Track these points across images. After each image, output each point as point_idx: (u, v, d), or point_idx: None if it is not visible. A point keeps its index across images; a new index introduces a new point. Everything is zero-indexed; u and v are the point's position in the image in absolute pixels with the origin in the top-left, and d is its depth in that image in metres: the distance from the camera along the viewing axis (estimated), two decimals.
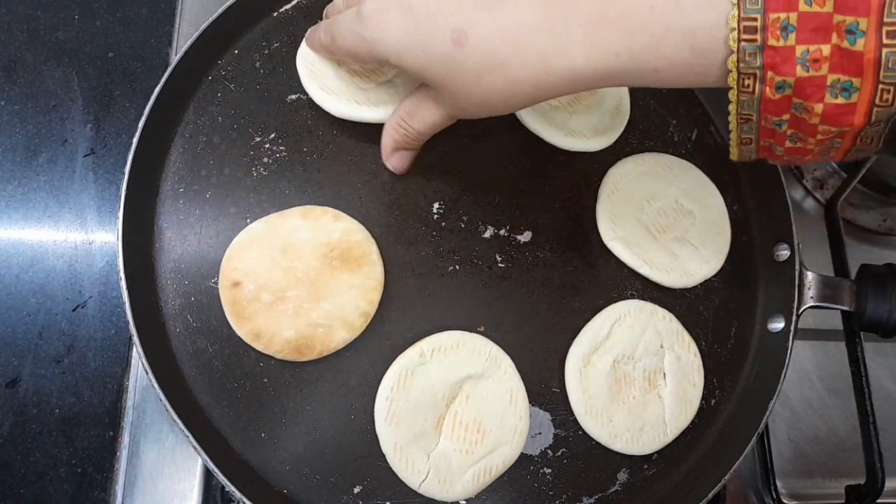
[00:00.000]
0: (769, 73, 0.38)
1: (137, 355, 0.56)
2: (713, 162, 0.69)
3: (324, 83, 0.59)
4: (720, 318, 0.65)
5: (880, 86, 0.37)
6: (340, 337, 0.55)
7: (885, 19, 0.35)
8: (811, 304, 0.63)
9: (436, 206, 0.61)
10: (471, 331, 0.58)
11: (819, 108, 0.38)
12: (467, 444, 0.54)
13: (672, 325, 0.62)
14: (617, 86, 0.46)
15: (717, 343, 0.64)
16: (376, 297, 0.56)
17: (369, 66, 0.59)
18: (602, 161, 0.65)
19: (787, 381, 0.60)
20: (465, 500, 0.55)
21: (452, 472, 0.54)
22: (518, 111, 0.64)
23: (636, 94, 0.69)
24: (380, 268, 0.57)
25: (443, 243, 0.60)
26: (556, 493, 0.56)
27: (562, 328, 0.60)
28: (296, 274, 0.55)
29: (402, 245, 0.59)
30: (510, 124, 0.64)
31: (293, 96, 0.61)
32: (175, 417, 0.49)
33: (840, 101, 0.38)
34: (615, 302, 0.61)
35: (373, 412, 0.54)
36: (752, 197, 0.69)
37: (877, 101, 0.37)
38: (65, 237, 0.66)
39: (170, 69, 0.56)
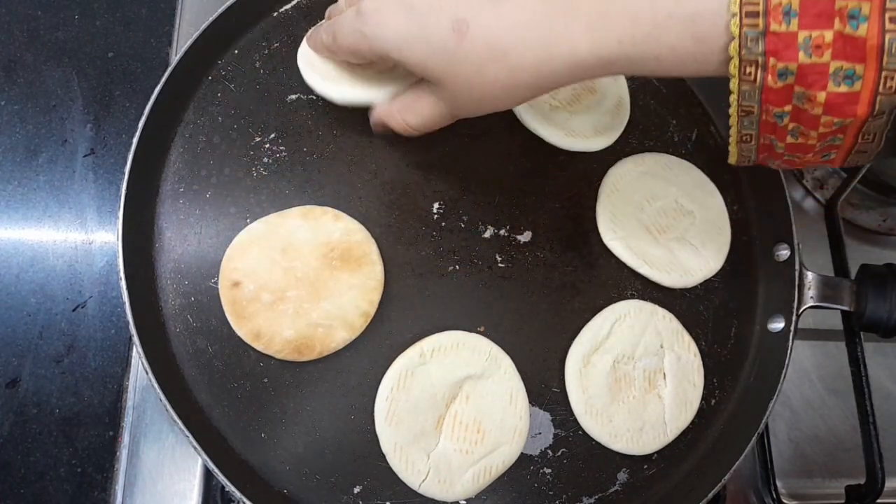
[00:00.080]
0: (771, 60, 0.38)
1: (137, 355, 0.56)
2: (713, 162, 0.69)
3: (326, 74, 0.58)
4: (720, 318, 0.65)
5: (883, 73, 0.36)
6: (340, 337, 0.55)
7: (888, 4, 0.35)
8: (811, 304, 0.63)
9: (436, 206, 0.61)
10: (471, 331, 0.58)
11: (822, 96, 0.38)
12: (467, 444, 0.54)
13: (672, 325, 0.62)
14: (618, 74, 0.46)
15: (717, 343, 0.64)
16: (376, 297, 0.56)
17: (371, 65, 0.59)
18: (602, 161, 0.65)
19: (787, 381, 0.60)
20: (465, 500, 0.55)
21: (452, 472, 0.54)
22: (518, 110, 0.64)
23: (636, 94, 0.69)
24: (380, 268, 0.57)
25: (443, 243, 0.60)
26: (556, 493, 0.56)
27: (562, 328, 0.60)
28: (296, 274, 0.55)
29: (402, 245, 0.59)
30: (510, 124, 0.64)
31: (293, 96, 0.61)
32: (175, 417, 0.49)
33: (843, 89, 0.37)
34: (615, 302, 0.61)
35: (373, 412, 0.54)
36: (752, 197, 0.69)
37: (880, 88, 0.37)
38: (65, 237, 0.66)
39: (170, 69, 0.56)
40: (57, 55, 0.72)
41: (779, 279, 0.65)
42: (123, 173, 0.53)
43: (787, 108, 0.40)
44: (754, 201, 0.69)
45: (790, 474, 0.72)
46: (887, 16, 0.35)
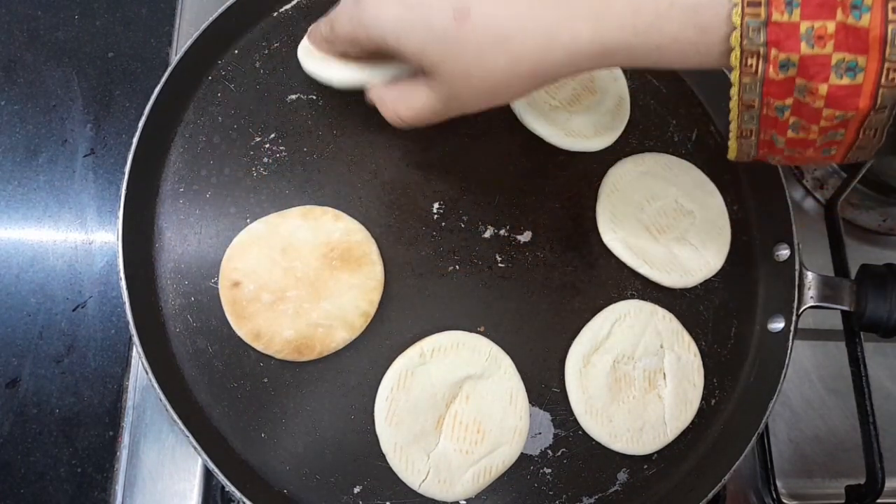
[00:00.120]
0: (773, 51, 0.38)
1: (137, 355, 0.56)
2: (713, 162, 0.69)
3: (326, 59, 0.56)
4: (720, 318, 0.65)
5: (886, 64, 0.36)
6: (340, 337, 0.55)
7: None
8: (811, 304, 0.63)
9: (436, 206, 0.61)
10: (471, 331, 0.58)
11: (824, 89, 0.37)
12: (467, 444, 0.54)
13: (672, 325, 0.62)
14: (620, 65, 0.46)
15: (717, 343, 0.64)
16: (376, 297, 0.56)
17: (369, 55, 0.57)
18: (602, 161, 0.65)
19: (787, 381, 0.60)
20: (465, 500, 0.55)
21: (452, 472, 0.54)
22: (518, 110, 0.64)
23: (636, 94, 0.69)
24: (380, 268, 0.57)
25: (443, 243, 0.60)
26: (556, 493, 0.56)
27: (562, 328, 0.60)
28: (296, 274, 0.55)
29: (402, 245, 0.59)
30: (510, 124, 0.64)
31: (293, 96, 0.61)
32: (175, 417, 0.49)
33: (845, 81, 0.37)
34: (615, 302, 0.61)
35: (373, 412, 0.54)
36: (752, 197, 0.69)
37: (882, 81, 0.36)
38: (65, 237, 0.66)
39: (170, 69, 0.56)
40: (57, 55, 0.72)
41: (779, 279, 0.65)
42: (123, 173, 0.53)
43: (789, 101, 0.40)
44: (754, 201, 0.69)
45: (790, 474, 0.72)
46: (890, 6, 0.35)
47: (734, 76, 0.40)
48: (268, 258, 0.55)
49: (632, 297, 0.62)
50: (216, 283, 0.55)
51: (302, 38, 0.60)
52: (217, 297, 0.54)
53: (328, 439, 0.54)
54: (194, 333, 0.54)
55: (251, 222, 0.56)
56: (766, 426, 0.63)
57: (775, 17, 0.37)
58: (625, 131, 0.67)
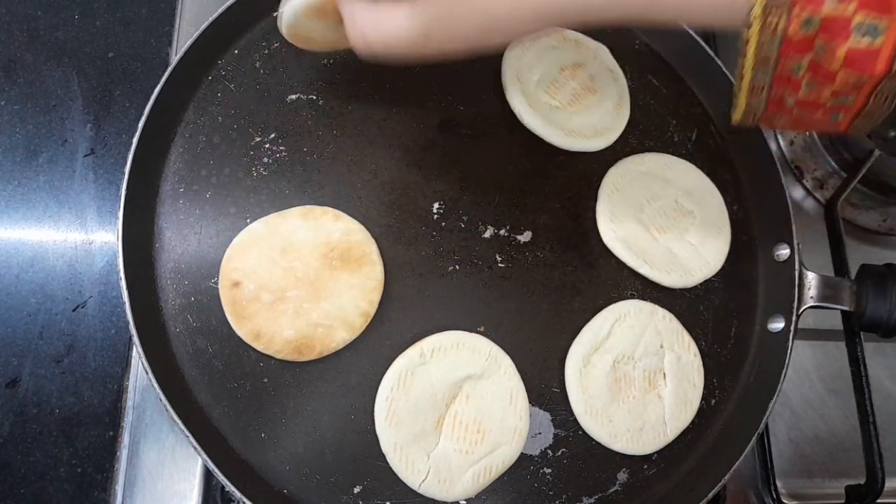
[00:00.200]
0: (796, 9, 0.37)
1: (137, 355, 0.56)
2: (713, 162, 0.69)
3: None
4: (720, 318, 0.65)
5: None
6: (340, 337, 0.55)
7: None
8: (811, 304, 0.63)
9: (436, 206, 0.61)
10: (471, 331, 0.58)
11: (842, 51, 0.37)
12: (467, 444, 0.54)
13: (672, 325, 0.62)
14: (634, 16, 0.42)
15: (717, 343, 0.64)
16: (376, 297, 0.56)
17: None
18: (602, 161, 0.65)
19: (787, 381, 0.60)
20: (465, 500, 0.55)
21: (452, 472, 0.54)
22: (518, 110, 0.64)
23: (636, 94, 0.69)
24: (380, 268, 0.57)
25: (443, 243, 0.60)
26: (556, 493, 0.56)
27: (562, 328, 0.60)
28: (296, 274, 0.55)
29: (402, 245, 0.59)
30: (510, 124, 0.64)
31: (293, 96, 0.61)
32: (175, 417, 0.49)
33: (864, 43, 0.36)
34: (615, 302, 0.61)
35: (373, 412, 0.54)
36: (752, 197, 0.69)
37: None
38: (65, 237, 0.66)
39: (170, 69, 0.56)
40: (57, 55, 0.72)
41: (779, 279, 0.65)
42: (123, 173, 0.53)
43: (806, 60, 0.39)
44: (754, 201, 0.69)
45: (790, 474, 0.72)
46: None
47: (753, 31, 0.39)
48: (268, 258, 0.55)
49: (632, 297, 0.62)
50: (216, 283, 0.55)
51: None
52: (217, 297, 0.54)
53: (328, 439, 0.54)
54: (194, 333, 0.54)
55: (251, 222, 0.56)
56: (766, 426, 0.63)
57: None
58: (625, 131, 0.67)
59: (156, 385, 0.50)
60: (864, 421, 0.63)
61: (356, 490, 0.53)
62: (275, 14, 0.63)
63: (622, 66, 0.69)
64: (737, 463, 0.57)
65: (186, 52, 0.57)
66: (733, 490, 0.70)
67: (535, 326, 0.60)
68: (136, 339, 0.50)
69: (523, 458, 0.56)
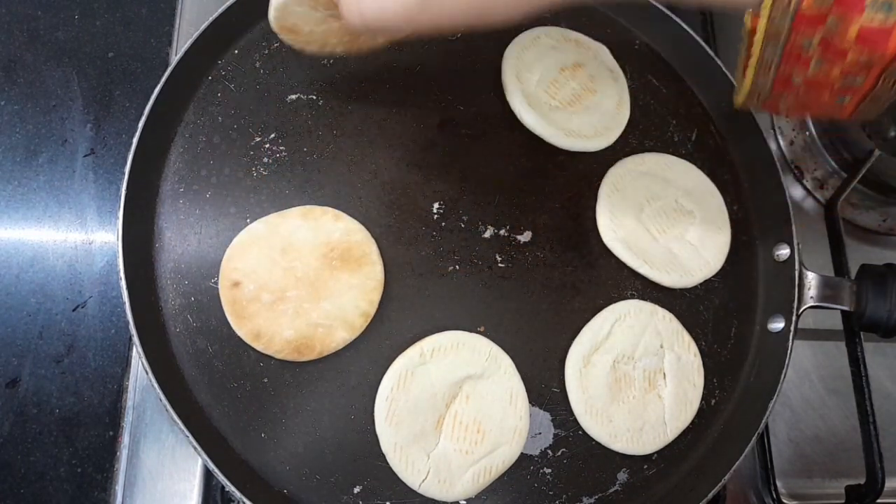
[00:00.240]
0: None
1: (137, 355, 0.56)
2: (713, 162, 0.69)
3: None
4: (720, 318, 0.65)
5: None
6: (340, 337, 0.55)
7: None
8: (811, 304, 0.63)
9: (436, 206, 0.61)
10: (471, 331, 0.58)
11: (855, 27, 0.37)
12: (467, 444, 0.54)
13: (672, 325, 0.62)
14: None
15: (717, 343, 0.64)
16: (376, 297, 0.56)
17: None
18: (602, 161, 0.65)
19: (787, 381, 0.60)
20: (465, 500, 0.55)
21: (452, 472, 0.54)
22: (518, 110, 0.64)
23: (636, 93, 0.69)
24: (380, 268, 0.57)
25: (443, 243, 0.60)
26: (556, 493, 0.56)
27: (562, 328, 0.60)
28: (296, 274, 0.55)
29: (402, 245, 0.59)
30: (510, 124, 0.64)
31: (293, 96, 0.61)
32: (175, 417, 0.49)
33: (878, 19, 0.36)
34: (615, 302, 0.61)
35: (373, 412, 0.54)
36: (752, 197, 0.69)
37: None
38: (65, 237, 0.66)
39: (170, 69, 0.56)
40: (57, 55, 0.72)
41: (779, 279, 0.65)
42: (123, 173, 0.53)
43: (817, 36, 0.39)
44: (754, 201, 0.69)
45: (790, 474, 0.72)
46: None
47: (766, 4, 0.39)
48: (268, 258, 0.55)
49: (632, 297, 0.62)
50: (216, 283, 0.55)
51: None
52: (217, 297, 0.54)
53: (328, 439, 0.54)
54: (194, 333, 0.54)
55: (251, 222, 0.56)
56: (766, 426, 0.63)
57: None
58: (625, 131, 0.67)
59: (156, 385, 0.50)
60: (864, 421, 0.63)
61: (356, 490, 0.53)
62: None
63: (622, 66, 0.69)
64: (737, 463, 0.57)
65: (186, 52, 0.57)
66: (733, 490, 0.70)
67: (535, 326, 0.60)
68: (136, 339, 0.50)
69: (523, 458, 0.56)
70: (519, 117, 0.64)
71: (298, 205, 0.57)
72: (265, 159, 0.59)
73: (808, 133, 0.83)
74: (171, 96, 0.57)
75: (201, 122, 0.59)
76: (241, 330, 0.53)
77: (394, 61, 0.64)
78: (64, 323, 0.64)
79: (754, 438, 0.58)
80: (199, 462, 0.61)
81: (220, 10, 0.59)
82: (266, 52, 0.62)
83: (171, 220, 0.56)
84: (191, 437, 0.49)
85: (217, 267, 0.55)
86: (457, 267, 0.60)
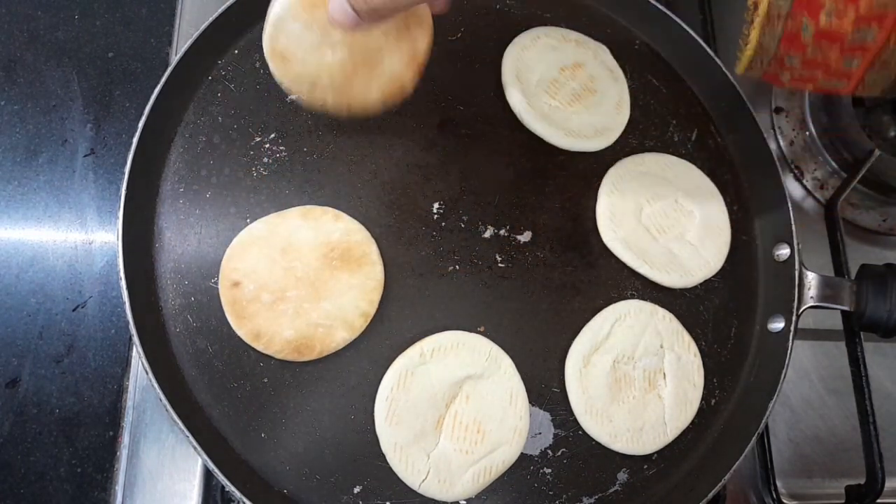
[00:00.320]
0: None
1: (137, 355, 0.56)
2: (713, 162, 0.69)
3: None
4: (720, 318, 0.65)
5: None
6: (340, 337, 0.55)
7: None
8: (811, 304, 0.63)
9: (436, 206, 0.61)
10: (471, 331, 0.58)
11: None
12: (467, 444, 0.54)
13: (672, 325, 0.62)
14: None
15: (717, 343, 0.64)
16: (376, 297, 0.56)
17: None
18: (602, 161, 0.65)
19: (787, 381, 0.60)
20: (464, 500, 0.55)
21: (452, 472, 0.54)
22: (518, 110, 0.64)
23: (636, 94, 0.69)
24: (380, 268, 0.57)
25: (443, 243, 0.60)
26: (556, 493, 0.56)
27: (562, 328, 0.60)
28: (296, 274, 0.55)
29: (402, 245, 0.59)
30: (510, 124, 0.64)
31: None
32: (175, 417, 0.49)
33: None
34: (615, 302, 0.61)
35: (373, 412, 0.54)
36: (752, 197, 0.69)
37: None
38: (65, 237, 0.66)
39: (170, 69, 0.56)
40: (57, 55, 0.72)
41: (779, 279, 0.65)
42: (123, 173, 0.53)
43: None
44: (754, 201, 0.69)
45: (790, 474, 0.72)
46: None
47: None
48: (268, 258, 0.55)
49: (632, 297, 0.62)
50: (216, 283, 0.55)
51: None
52: (217, 297, 0.54)
53: (328, 439, 0.54)
54: (194, 333, 0.54)
55: (251, 222, 0.56)
56: (766, 426, 0.63)
57: None
58: (625, 131, 0.67)
59: (156, 385, 0.50)
60: (864, 421, 0.63)
61: (356, 490, 0.53)
62: None
63: (622, 66, 0.69)
64: (737, 463, 0.57)
65: (186, 52, 0.57)
66: (733, 490, 0.70)
67: (535, 326, 0.60)
68: (136, 339, 0.50)
69: (523, 458, 0.56)
70: (519, 117, 0.64)
71: (298, 205, 0.57)
72: (265, 159, 0.59)
73: (808, 133, 0.83)
74: (171, 96, 0.57)
75: (201, 122, 0.59)
76: (241, 330, 0.53)
77: None
78: (64, 323, 0.64)
79: (754, 438, 0.58)
80: (199, 462, 0.61)
81: (220, 10, 0.59)
82: None
83: (171, 220, 0.56)
84: (191, 437, 0.49)
85: (217, 267, 0.55)
86: (457, 267, 0.60)
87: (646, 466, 0.59)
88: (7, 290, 0.64)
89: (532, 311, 0.60)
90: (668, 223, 0.65)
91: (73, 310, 0.64)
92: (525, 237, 0.62)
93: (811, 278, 0.63)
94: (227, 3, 0.59)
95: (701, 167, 0.68)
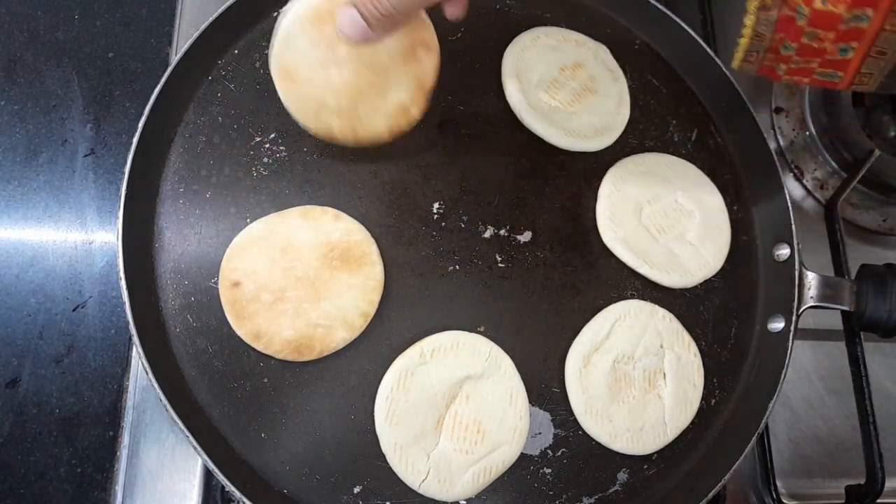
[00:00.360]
0: None
1: (137, 355, 0.56)
2: (713, 162, 0.69)
3: None
4: (720, 318, 0.65)
5: None
6: (340, 337, 0.55)
7: None
8: (811, 304, 0.63)
9: (436, 206, 0.61)
10: (471, 331, 0.58)
11: None
12: (467, 444, 0.54)
13: (672, 325, 0.62)
14: None
15: (717, 343, 0.64)
16: (376, 297, 0.56)
17: None
18: (602, 161, 0.65)
19: (787, 381, 0.60)
20: (464, 500, 0.55)
21: (452, 472, 0.54)
22: (518, 110, 0.64)
23: (636, 94, 0.69)
24: (380, 268, 0.57)
25: (443, 243, 0.60)
26: (556, 493, 0.56)
27: (562, 328, 0.60)
28: (296, 274, 0.55)
29: (402, 245, 0.59)
30: (510, 124, 0.64)
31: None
32: (175, 417, 0.49)
33: None
34: (615, 302, 0.61)
35: (373, 412, 0.54)
36: (752, 197, 0.69)
37: None
38: (65, 237, 0.66)
39: (170, 69, 0.56)
40: (57, 55, 0.72)
41: (779, 279, 0.65)
42: (123, 173, 0.53)
43: None
44: (754, 201, 0.69)
45: (790, 474, 0.72)
46: None
47: None
48: (268, 258, 0.55)
49: (632, 297, 0.62)
50: (216, 283, 0.55)
51: None
52: (217, 297, 0.54)
53: (328, 439, 0.54)
54: (194, 333, 0.54)
55: (251, 222, 0.56)
56: (766, 426, 0.63)
57: None
58: (625, 131, 0.67)
59: (156, 385, 0.50)
60: (864, 421, 0.63)
61: (356, 490, 0.53)
62: (275, 14, 0.63)
63: (622, 66, 0.69)
64: (737, 463, 0.57)
65: (186, 52, 0.57)
66: (733, 490, 0.70)
67: (535, 326, 0.60)
68: (136, 339, 0.50)
69: (523, 458, 0.56)
70: (519, 117, 0.64)
71: (298, 205, 0.57)
72: (265, 159, 0.59)
73: (808, 133, 0.83)
74: (171, 96, 0.57)
75: (201, 122, 0.59)
76: (241, 330, 0.53)
77: None
78: (64, 323, 0.64)
79: (754, 438, 0.58)
80: (199, 462, 0.61)
81: (220, 10, 0.59)
82: (266, 52, 0.62)
83: (171, 220, 0.56)
84: (191, 437, 0.49)
85: (217, 267, 0.55)
86: (457, 267, 0.60)
87: (646, 466, 0.59)
88: (7, 290, 0.64)
89: (532, 311, 0.60)
90: (668, 223, 0.65)
91: (73, 310, 0.64)
92: (525, 237, 0.62)
93: (811, 278, 0.63)
94: (227, 3, 0.59)
95: (701, 167, 0.68)
